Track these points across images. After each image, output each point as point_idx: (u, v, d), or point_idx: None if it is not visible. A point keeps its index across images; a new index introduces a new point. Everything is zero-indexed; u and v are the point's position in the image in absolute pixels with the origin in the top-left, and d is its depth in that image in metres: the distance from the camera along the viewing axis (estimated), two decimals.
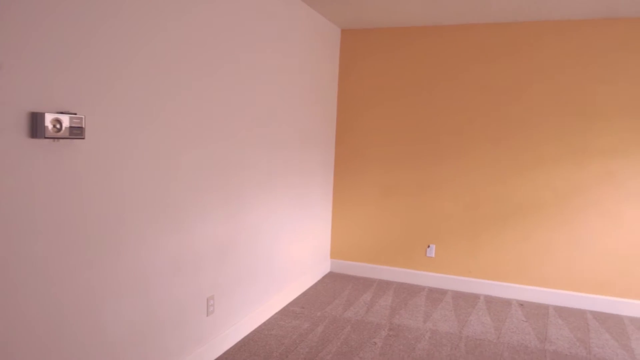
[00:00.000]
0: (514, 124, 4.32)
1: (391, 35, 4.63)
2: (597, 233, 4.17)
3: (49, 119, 1.77)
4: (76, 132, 1.88)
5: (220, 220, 3.03)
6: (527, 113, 4.27)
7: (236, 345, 3.28)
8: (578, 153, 4.17)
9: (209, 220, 2.90)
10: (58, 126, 1.80)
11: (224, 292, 3.14)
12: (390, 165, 4.74)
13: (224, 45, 2.92)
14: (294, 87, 3.92)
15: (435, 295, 4.46)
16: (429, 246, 4.66)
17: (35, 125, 1.76)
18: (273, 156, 3.65)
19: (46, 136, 1.77)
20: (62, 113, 1.83)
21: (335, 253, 5.05)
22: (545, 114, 4.23)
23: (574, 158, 4.18)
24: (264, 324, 3.66)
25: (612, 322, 3.96)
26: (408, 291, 4.53)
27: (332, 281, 4.76)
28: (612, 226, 4.13)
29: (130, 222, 2.28)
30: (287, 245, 4.02)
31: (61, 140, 1.87)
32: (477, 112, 4.42)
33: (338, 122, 4.90)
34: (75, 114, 1.89)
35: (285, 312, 3.91)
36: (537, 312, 4.13)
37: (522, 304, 4.29)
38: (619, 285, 4.16)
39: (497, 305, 4.24)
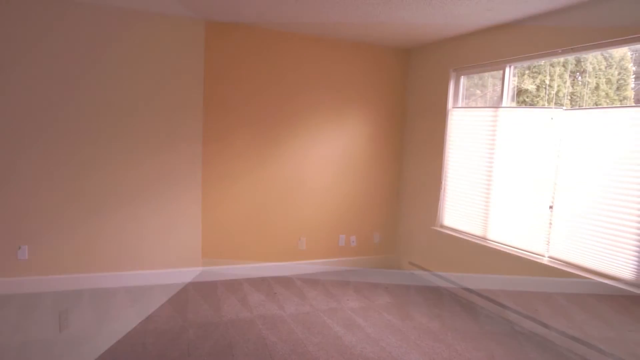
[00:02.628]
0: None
1: (246, 32, 3.73)
2: (192, 212, 4.61)
3: None
4: None
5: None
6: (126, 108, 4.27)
7: None
8: (172, 140, 4.47)
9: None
10: None
11: None
12: None
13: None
14: (150, 81, 3.38)
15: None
16: (20, 248, 4.08)
17: None
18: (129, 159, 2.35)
19: None
20: None
21: None
22: (136, 109, 4.33)
23: (169, 145, 4.46)
24: None
25: (208, 289, 4.47)
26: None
27: None
28: (203, 205, 4.65)
29: None
30: None
31: None
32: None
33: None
34: None
35: None
36: (143, 295, 4.25)
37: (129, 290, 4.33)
38: (212, 256, 4.73)
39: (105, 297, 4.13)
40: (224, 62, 4.60)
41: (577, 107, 3.62)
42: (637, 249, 3.11)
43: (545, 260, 3.73)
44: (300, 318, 3.90)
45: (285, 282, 4.82)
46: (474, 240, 4.41)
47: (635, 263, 3.13)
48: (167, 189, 4.49)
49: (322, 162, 5.13)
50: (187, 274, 4.64)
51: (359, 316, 4.01)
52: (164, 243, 4.54)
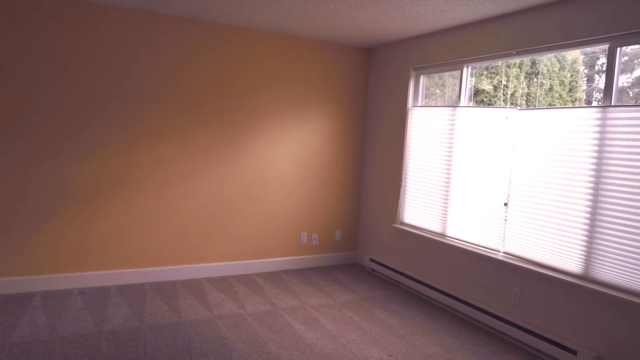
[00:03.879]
0: (66, 110, 4.08)
1: None
2: (150, 211, 4.50)
3: None
4: None
5: None
6: (80, 99, 4.12)
7: None
8: (131, 137, 4.34)
9: None
10: None
11: None
12: None
13: None
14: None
15: None
16: None
17: None
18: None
19: None
20: None
21: None
22: (96, 100, 4.18)
23: (127, 142, 4.33)
24: None
25: (167, 289, 4.38)
26: None
27: None
28: (163, 203, 4.55)
29: None
30: None
31: None
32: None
33: None
34: None
35: None
36: (98, 296, 4.11)
37: (83, 292, 4.18)
38: (171, 255, 4.64)
39: (56, 299, 3.97)
40: (182, 58, 4.51)
41: (530, 107, 3.74)
42: (584, 244, 3.25)
43: (500, 256, 3.85)
44: (261, 317, 3.87)
45: (247, 280, 4.78)
46: (433, 237, 4.50)
47: (582, 257, 3.26)
48: (124, 187, 4.37)
49: (283, 160, 5.11)
50: (145, 274, 4.53)
51: (320, 313, 4.02)
52: (120, 243, 4.41)
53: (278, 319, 3.84)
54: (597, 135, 3.18)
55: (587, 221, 3.23)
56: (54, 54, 4.01)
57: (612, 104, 3.17)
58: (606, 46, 3.22)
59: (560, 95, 7.19)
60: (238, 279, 4.80)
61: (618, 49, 3.16)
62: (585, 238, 3.25)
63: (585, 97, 6.82)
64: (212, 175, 4.74)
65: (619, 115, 3.06)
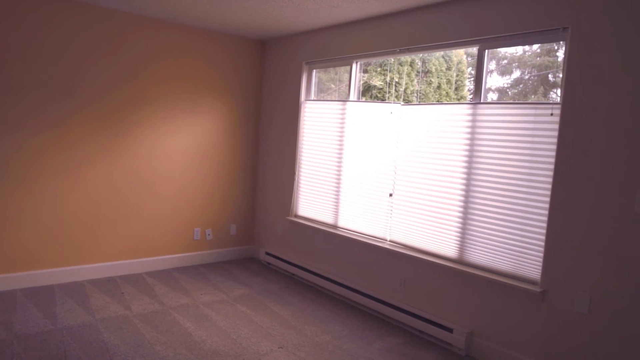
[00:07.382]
0: None
1: None
2: (21, 209, 4.08)
3: None
4: None
5: None
6: None
7: None
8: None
9: None
10: None
11: None
12: None
13: None
14: None
15: None
16: None
17: None
18: None
19: None
20: None
21: None
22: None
23: None
24: None
25: (43, 295, 4.02)
26: None
27: None
28: (38, 201, 4.15)
29: None
30: None
31: None
32: None
33: None
34: None
35: None
36: None
37: None
38: (48, 257, 4.26)
39: None
40: (55, 39, 4.14)
41: (411, 103, 3.94)
42: (459, 230, 3.52)
43: (386, 244, 4.03)
44: (148, 317, 3.70)
45: (135, 280, 4.54)
46: (325, 228, 4.60)
47: (457, 243, 3.53)
48: None
49: (174, 154, 4.91)
50: (17, 279, 4.11)
51: (212, 310, 3.93)
52: None
53: (167, 319, 3.70)
54: (469, 130, 3.44)
55: (461, 209, 3.50)
56: None
57: (481, 101, 3.45)
58: (476, 48, 3.48)
59: (447, 92, 7.73)
60: (126, 279, 4.55)
61: (486, 50, 3.44)
62: (459, 224, 3.52)
63: (470, 95, 7.37)
64: (94, 169, 4.42)
65: (486, 112, 3.34)
